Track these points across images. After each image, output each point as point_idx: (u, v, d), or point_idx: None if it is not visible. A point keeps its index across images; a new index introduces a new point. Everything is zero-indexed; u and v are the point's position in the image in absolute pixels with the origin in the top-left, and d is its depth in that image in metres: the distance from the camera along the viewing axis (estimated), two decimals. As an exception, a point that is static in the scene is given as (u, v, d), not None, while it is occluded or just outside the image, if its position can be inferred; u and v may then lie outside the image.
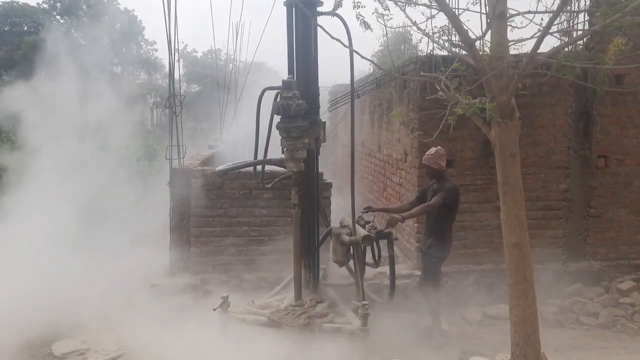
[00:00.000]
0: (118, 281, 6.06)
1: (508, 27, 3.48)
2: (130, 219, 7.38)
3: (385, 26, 3.50)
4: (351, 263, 5.38)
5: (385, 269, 5.72)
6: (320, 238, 5.46)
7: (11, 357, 5.16)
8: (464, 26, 3.42)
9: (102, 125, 7.88)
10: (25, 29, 29.12)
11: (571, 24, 5.62)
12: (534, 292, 3.76)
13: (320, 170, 5.66)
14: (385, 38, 10.48)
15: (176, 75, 6.74)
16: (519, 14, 3.39)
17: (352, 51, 4.34)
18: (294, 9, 5.04)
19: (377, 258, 5.35)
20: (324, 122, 5.34)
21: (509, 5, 3.42)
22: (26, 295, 5.58)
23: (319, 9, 4.99)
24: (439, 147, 5.54)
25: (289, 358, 4.61)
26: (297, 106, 4.74)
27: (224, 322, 4.94)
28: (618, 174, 6.58)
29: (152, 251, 6.67)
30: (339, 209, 6.64)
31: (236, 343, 4.80)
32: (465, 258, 6.52)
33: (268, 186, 5.62)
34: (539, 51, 3.45)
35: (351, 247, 5.10)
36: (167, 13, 6.34)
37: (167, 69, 6.55)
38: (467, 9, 3.65)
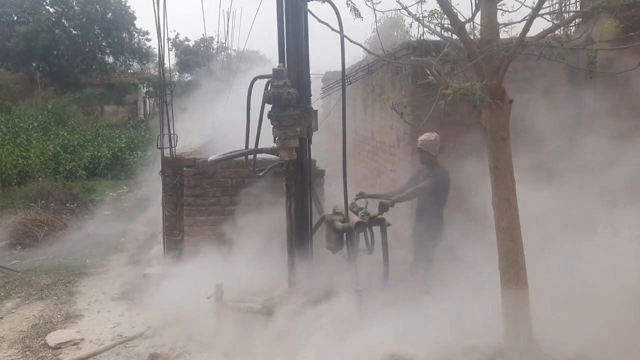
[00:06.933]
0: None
1: (498, 10, 3.46)
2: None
3: (375, 10, 3.47)
4: (345, 249, 5.39)
5: (379, 255, 5.73)
6: (313, 225, 5.46)
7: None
8: (454, 9, 3.39)
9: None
10: (15, 18, 28.83)
11: (562, 6, 5.59)
12: (525, 275, 3.78)
13: (313, 157, 5.64)
14: (377, 24, 10.49)
15: (168, 65, 6.68)
16: (508, -4, 3.36)
17: (342, 36, 4.31)
18: (283, -5, 4.99)
19: (370, 244, 5.36)
20: (316, 111, 5.32)
21: (499, -13, 3.40)
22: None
23: (310, -6, 4.93)
24: (436, 133, 5.49)
25: (282, 344, 4.63)
26: (288, 95, 4.71)
27: (218, 310, 4.96)
28: (610, 158, 6.58)
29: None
30: (332, 196, 6.62)
31: (230, 329, 4.82)
32: (458, 243, 6.53)
33: (260, 174, 5.61)
34: (529, 34, 3.43)
35: (344, 234, 5.10)
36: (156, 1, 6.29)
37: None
38: (457, -8, 3.61)
